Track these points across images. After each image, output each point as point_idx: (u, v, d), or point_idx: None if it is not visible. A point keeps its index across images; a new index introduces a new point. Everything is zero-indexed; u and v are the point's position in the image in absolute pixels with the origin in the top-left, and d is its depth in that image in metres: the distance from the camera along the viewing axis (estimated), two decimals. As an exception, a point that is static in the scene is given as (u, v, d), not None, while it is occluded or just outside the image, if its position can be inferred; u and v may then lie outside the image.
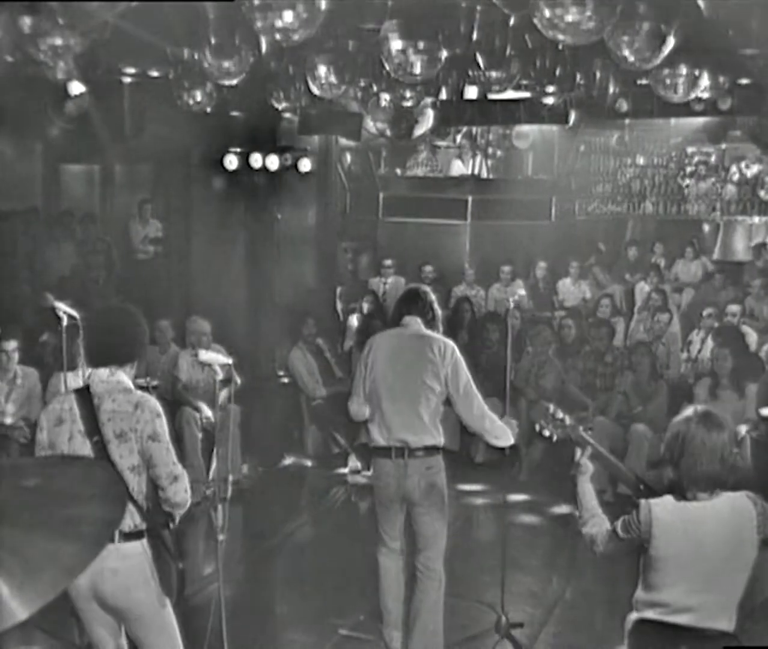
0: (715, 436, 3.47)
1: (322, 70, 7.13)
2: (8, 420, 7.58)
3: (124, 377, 3.93)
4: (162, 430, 3.81)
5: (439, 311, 5.39)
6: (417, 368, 5.11)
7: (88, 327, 4.42)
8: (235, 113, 9.86)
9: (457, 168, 14.01)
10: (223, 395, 5.27)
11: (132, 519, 3.74)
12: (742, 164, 13.63)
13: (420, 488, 5.08)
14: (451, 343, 5.21)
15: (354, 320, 11.01)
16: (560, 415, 4.07)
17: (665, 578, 3.52)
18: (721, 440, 3.48)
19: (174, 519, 3.92)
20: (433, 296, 5.40)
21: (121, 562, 3.70)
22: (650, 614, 3.58)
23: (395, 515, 5.24)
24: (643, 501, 3.58)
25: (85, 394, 3.87)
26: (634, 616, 3.67)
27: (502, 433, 5.20)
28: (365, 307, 10.94)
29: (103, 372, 3.90)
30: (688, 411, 3.62)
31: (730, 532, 3.48)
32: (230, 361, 4.81)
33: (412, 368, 5.13)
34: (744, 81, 8.45)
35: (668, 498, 3.55)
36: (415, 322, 5.25)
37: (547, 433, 4.10)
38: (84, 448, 3.75)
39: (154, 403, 3.87)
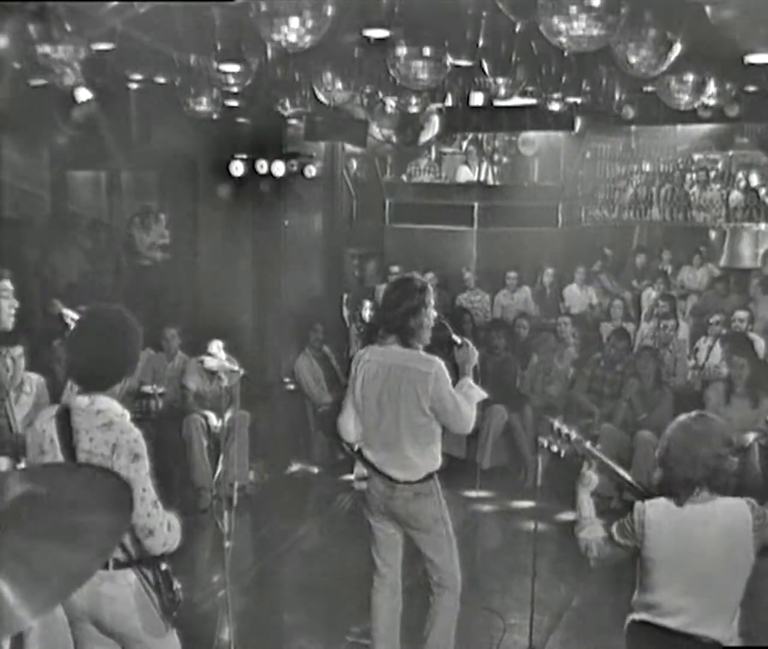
0: (697, 442, 3.54)
1: (328, 76, 7.15)
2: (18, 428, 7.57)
3: (105, 404, 3.46)
4: (137, 475, 3.38)
5: (426, 318, 4.72)
6: (402, 404, 4.71)
7: (69, 340, 3.77)
8: (241, 120, 9.88)
9: (464, 174, 14.02)
10: (228, 401, 5.26)
11: (122, 551, 3.45)
12: (749, 172, 13.63)
13: (407, 510, 4.83)
14: (434, 362, 4.68)
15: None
16: (566, 430, 4.07)
17: (657, 579, 3.56)
18: (704, 448, 3.52)
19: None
20: (419, 298, 4.68)
21: (118, 590, 3.47)
22: (644, 616, 3.63)
23: (387, 533, 4.95)
24: (638, 503, 3.61)
25: (65, 422, 3.45)
26: (630, 618, 3.72)
27: (472, 410, 4.81)
28: (366, 314, 10.90)
29: (82, 401, 3.47)
30: (682, 417, 3.74)
31: (723, 536, 3.49)
32: (236, 368, 4.81)
33: (397, 402, 4.72)
34: (751, 88, 8.44)
35: (662, 500, 3.60)
36: (394, 342, 4.75)
37: (554, 449, 4.12)
38: None
39: (133, 445, 3.40)
